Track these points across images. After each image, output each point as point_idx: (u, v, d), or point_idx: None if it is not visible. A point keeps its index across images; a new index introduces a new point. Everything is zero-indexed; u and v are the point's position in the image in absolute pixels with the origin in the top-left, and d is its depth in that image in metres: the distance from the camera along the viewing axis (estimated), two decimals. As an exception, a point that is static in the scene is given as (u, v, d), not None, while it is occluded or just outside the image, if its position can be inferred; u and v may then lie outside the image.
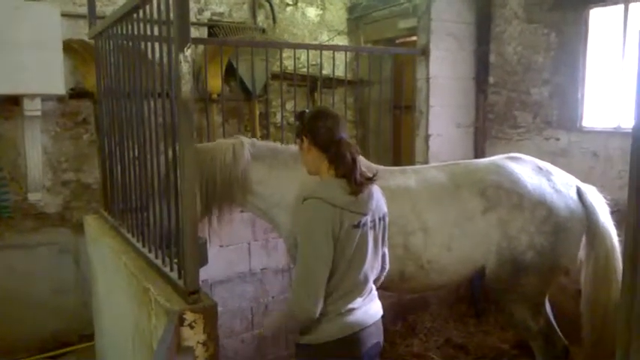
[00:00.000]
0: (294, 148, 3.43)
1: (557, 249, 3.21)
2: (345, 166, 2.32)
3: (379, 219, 2.43)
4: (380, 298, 4.47)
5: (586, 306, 3.33)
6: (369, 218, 2.34)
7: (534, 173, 3.32)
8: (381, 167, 3.52)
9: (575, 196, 3.28)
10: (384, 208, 2.49)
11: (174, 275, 2.53)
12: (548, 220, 3.17)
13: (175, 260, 2.58)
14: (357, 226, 2.28)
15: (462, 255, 3.24)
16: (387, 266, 2.63)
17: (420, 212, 3.24)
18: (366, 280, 2.40)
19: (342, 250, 2.25)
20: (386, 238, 2.52)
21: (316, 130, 2.37)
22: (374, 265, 2.44)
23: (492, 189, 3.22)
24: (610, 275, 3.24)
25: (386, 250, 2.59)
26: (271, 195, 3.27)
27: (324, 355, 2.34)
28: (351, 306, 2.35)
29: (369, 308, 2.44)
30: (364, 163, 3.37)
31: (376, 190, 2.47)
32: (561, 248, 3.23)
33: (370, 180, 2.36)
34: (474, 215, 3.21)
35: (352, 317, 2.35)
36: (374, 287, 2.53)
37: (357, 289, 2.37)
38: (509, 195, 3.19)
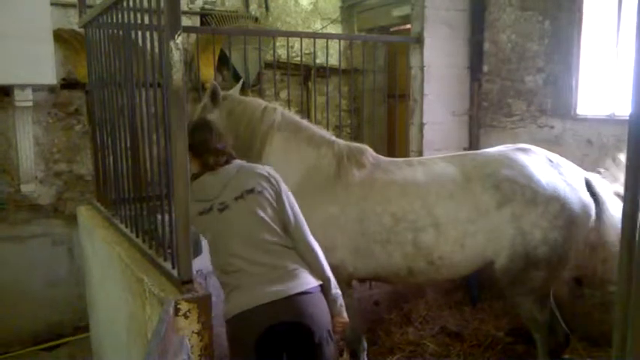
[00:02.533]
0: (314, 128, 3.41)
1: (568, 242, 3.18)
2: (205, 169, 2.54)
3: (237, 197, 2.48)
4: (374, 287, 4.49)
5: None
6: (216, 202, 2.47)
7: (546, 166, 3.25)
8: (387, 159, 3.46)
9: (584, 189, 3.25)
10: (248, 184, 2.52)
11: (167, 265, 2.53)
12: (561, 214, 3.13)
13: (169, 250, 2.57)
14: (204, 212, 2.45)
15: (475, 251, 3.17)
16: (310, 245, 2.57)
17: (430, 207, 3.15)
18: (244, 259, 2.41)
19: (204, 234, 2.48)
20: (268, 210, 2.50)
21: (191, 143, 2.46)
22: (256, 244, 2.44)
23: (507, 183, 3.14)
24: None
25: (299, 232, 2.56)
26: (280, 170, 3.22)
27: (229, 331, 2.43)
28: (240, 285, 2.39)
29: (265, 287, 2.38)
30: (372, 155, 3.36)
31: (233, 171, 2.55)
32: (572, 241, 3.20)
33: (211, 169, 2.53)
34: (488, 210, 3.13)
35: (242, 296, 2.37)
36: (283, 265, 2.45)
37: (238, 268, 2.41)
38: (523, 190, 3.12)
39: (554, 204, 3.13)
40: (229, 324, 2.41)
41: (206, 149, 2.53)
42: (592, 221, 3.26)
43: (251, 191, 2.50)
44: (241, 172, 2.57)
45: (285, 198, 2.58)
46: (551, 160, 3.31)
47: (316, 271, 2.53)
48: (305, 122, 3.44)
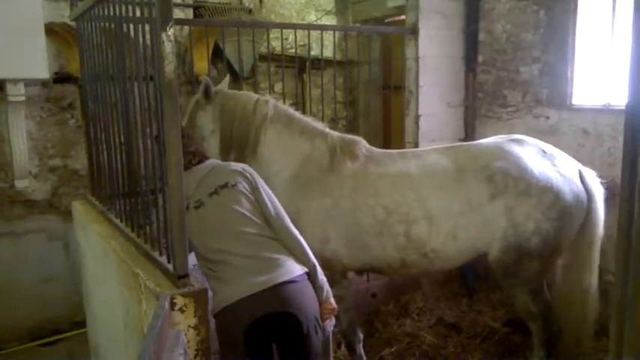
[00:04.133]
0: (307, 120, 3.40)
1: (561, 233, 3.17)
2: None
3: (211, 193, 2.52)
4: (372, 279, 4.50)
5: (563, 289, 3.39)
6: (192, 200, 2.52)
7: (540, 158, 3.24)
8: (381, 151, 3.46)
9: (578, 180, 3.24)
10: (221, 180, 2.56)
11: (163, 260, 2.52)
12: (554, 205, 3.12)
13: (164, 243, 2.56)
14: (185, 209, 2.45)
15: (468, 243, 3.18)
16: (293, 233, 2.57)
17: (423, 200, 3.15)
18: (227, 253, 2.42)
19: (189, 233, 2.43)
20: (244, 203, 2.51)
21: None
22: (236, 237, 2.44)
23: (500, 176, 3.13)
24: (590, 261, 3.28)
25: (279, 221, 2.57)
26: (275, 162, 3.27)
27: (217, 326, 2.43)
28: (225, 278, 2.40)
29: (249, 279, 2.37)
30: (365, 147, 3.36)
31: (206, 169, 2.61)
32: (565, 232, 3.19)
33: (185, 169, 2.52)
34: (481, 203, 3.13)
35: (228, 289, 2.37)
36: (267, 256, 2.44)
37: (221, 262, 2.42)
38: (516, 182, 3.11)
39: (547, 195, 3.12)
40: (217, 318, 2.42)
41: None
42: (585, 212, 3.26)
43: (224, 186, 2.54)
44: (215, 169, 2.63)
45: (262, 190, 2.61)
46: (544, 151, 3.30)
47: (301, 259, 2.53)
48: (297, 114, 3.45)
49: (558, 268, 3.45)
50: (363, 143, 3.38)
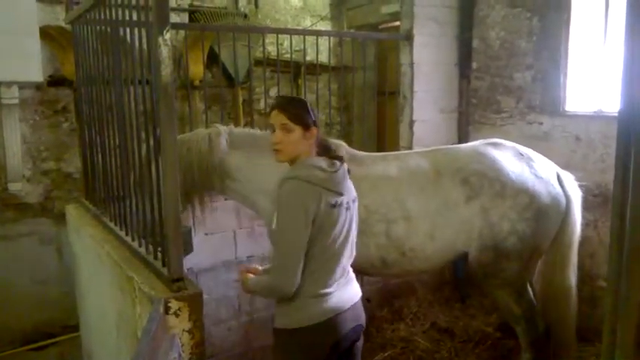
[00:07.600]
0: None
1: (538, 234, 3.25)
2: (321, 146, 2.40)
3: (352, 201, 2.42)
4: (366, 283, 4.50)
5: (543, 290, 3.47)
6: (344, 199, 2.33)
7: (516, 160, 3.33)
8: (363, 153, 3.53)
9: (556, 182, 3.32)
10: (354, 192, 2.48)
11: (157, 263, 2.51)
12: (530, 206, 3.20)
13: (159, 248, 2.55)
14: (335, 205, 2.27)
15: (445, 243, 3.25)
16: (354, 253, 2.54)
17: (402, 200, 3.24)
18: (340, 263, 2.36)
19: (318, 229, 2.23)
20: (356, 223, 2.48)
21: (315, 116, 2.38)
22: (347, 248, 2.39)
23: (475, 177, 3.22)
24: (568, 262, 3.38)
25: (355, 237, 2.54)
26: (250, 181, 3.26)
27: (299, 341, 2.31)
28: (326, 290, 2.31)
29: (345, 292, 2.40)
30: (347, 150, 3.39)
31: (345, 172, 2.46)
32: (542, 233, 3.27)
33: (341, 159, 2.41)
34: (458, 204, 3.22)
35: (326, 302, 2.31)
36: (350, 270, 2.49)
37: (333, 271, 2.33)
38: (491, 183, 3.20)
39: (522, 196, 3.20)
40: (303, 332, 2.30)
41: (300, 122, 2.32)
42: (563, 214, 3.32)
43: (356, 199, 2.47)
44: (348, 176, 2.47)
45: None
46: (521, 154, 3.39)
47: None
48: (258, 131, 3.46)
49: (539, 269, 3.51)
50: (344, 146, 3.43)
